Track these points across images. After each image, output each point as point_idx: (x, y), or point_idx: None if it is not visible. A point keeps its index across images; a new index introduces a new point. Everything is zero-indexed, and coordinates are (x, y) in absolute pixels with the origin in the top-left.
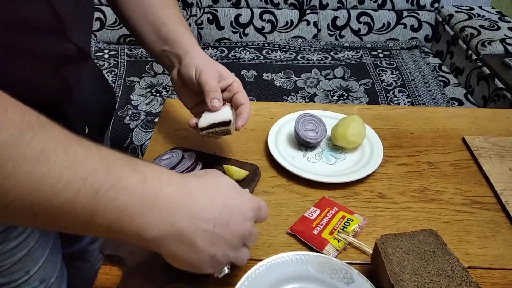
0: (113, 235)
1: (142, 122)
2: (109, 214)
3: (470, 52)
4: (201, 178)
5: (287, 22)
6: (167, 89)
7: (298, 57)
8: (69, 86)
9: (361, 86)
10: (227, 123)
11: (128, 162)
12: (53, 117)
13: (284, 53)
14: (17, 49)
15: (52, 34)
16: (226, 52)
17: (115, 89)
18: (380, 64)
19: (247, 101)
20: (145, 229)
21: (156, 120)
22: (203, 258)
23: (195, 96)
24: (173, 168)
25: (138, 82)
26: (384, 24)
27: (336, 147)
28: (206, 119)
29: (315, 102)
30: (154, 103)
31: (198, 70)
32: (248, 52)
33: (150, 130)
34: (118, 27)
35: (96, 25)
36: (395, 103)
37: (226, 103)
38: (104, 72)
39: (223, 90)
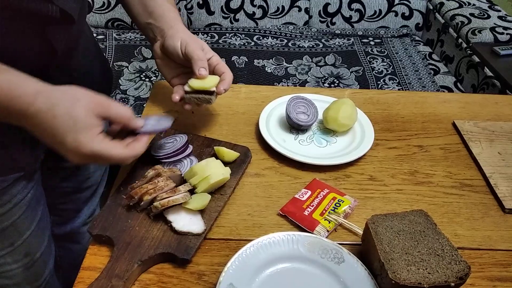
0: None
1: (131, 107)
2: None
3: (460, 40)
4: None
5: (278, 8)
6: (156, 74)
7: (289, 44)
8: (54, 48)
9: (352, 73)
10: (211, 92)
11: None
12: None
13: (275, 39)
14: None
15: None
16: (217, 37)
17: None
18: (371, 52)
19: (228, 70)
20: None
21: (145, 105)
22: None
23: (176, 68)
24: (163, 145)
25: (127, 67)
26: (375, 11)
27: (327, 130)
28: (193, 83)
29: None
30: (143, 88)
31: (183, 42)
32: (239, 38)
33: (139, 115)
34: (106, 10)
35: None
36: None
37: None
38: None
39: None
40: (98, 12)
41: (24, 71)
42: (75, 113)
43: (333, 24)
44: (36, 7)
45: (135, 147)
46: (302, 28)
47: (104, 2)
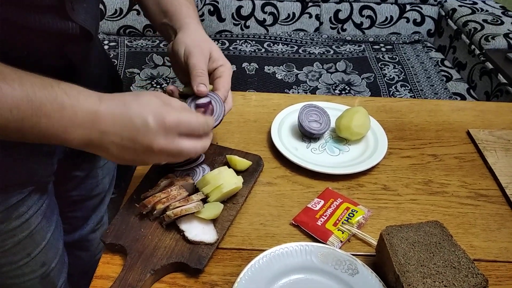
0: (47, 142)
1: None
2: (36, 134)
3: (473, 46)
4: (120, 97)
5: (289, 14)
6: (168, 81)
7: (300, 50)
8: (72, 65)
9: (363, 80)
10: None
11: (48, 91)
12: None
13: (285, 46)
14: (17, 24)
15: (52, 11)
16: (227, 44)
17: None
18: (382, 58)
19: (225, 89)
20: (66, 141)
21: None
22: (126, 160)
23: (188, 74)
24: None
25: (138, 74)
26: (386, 18)
27: (340, 138)
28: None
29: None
30: None
31: (187, 51)
32: (250, 45)
33: None
34: (118, 18)
35: None
36: (398, 97)
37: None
38: None
39: (210, 73)
40: (110, 19)
41: None
42: (144, 97)
43: (344, 30)
44: (56, 26)
45: (209, 135)
46: (313, 35)
47: (116, 10)
